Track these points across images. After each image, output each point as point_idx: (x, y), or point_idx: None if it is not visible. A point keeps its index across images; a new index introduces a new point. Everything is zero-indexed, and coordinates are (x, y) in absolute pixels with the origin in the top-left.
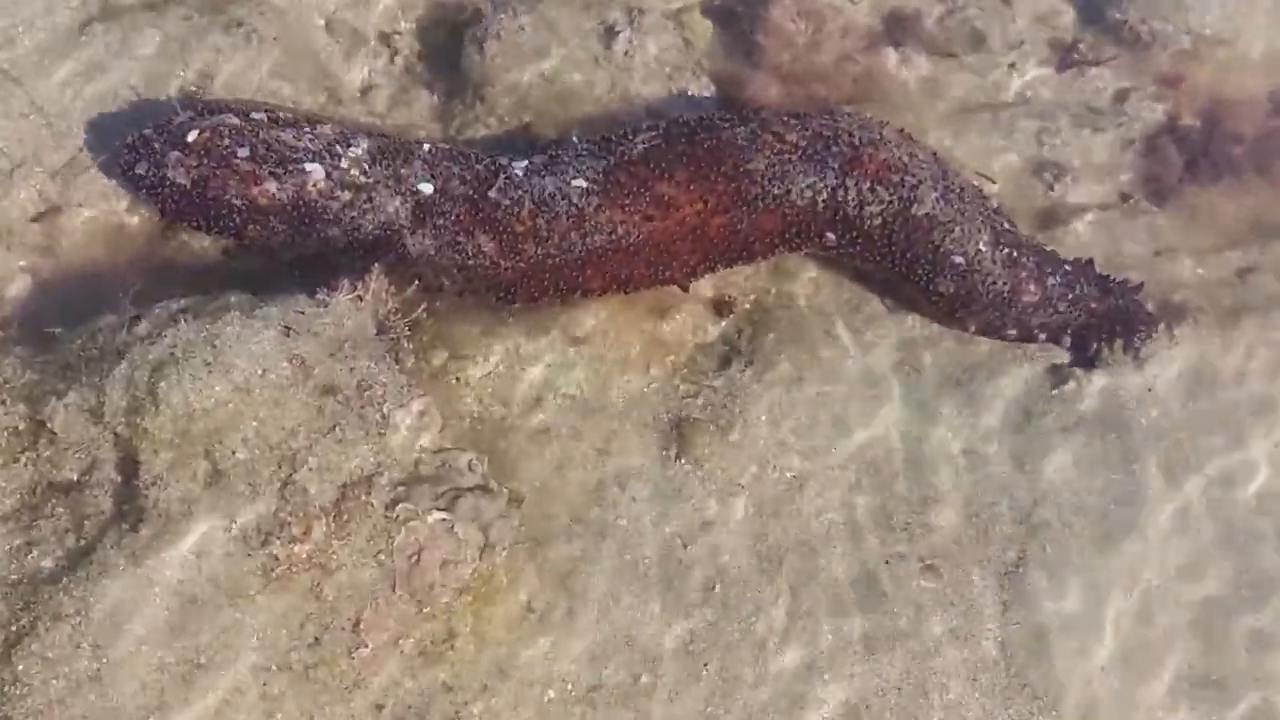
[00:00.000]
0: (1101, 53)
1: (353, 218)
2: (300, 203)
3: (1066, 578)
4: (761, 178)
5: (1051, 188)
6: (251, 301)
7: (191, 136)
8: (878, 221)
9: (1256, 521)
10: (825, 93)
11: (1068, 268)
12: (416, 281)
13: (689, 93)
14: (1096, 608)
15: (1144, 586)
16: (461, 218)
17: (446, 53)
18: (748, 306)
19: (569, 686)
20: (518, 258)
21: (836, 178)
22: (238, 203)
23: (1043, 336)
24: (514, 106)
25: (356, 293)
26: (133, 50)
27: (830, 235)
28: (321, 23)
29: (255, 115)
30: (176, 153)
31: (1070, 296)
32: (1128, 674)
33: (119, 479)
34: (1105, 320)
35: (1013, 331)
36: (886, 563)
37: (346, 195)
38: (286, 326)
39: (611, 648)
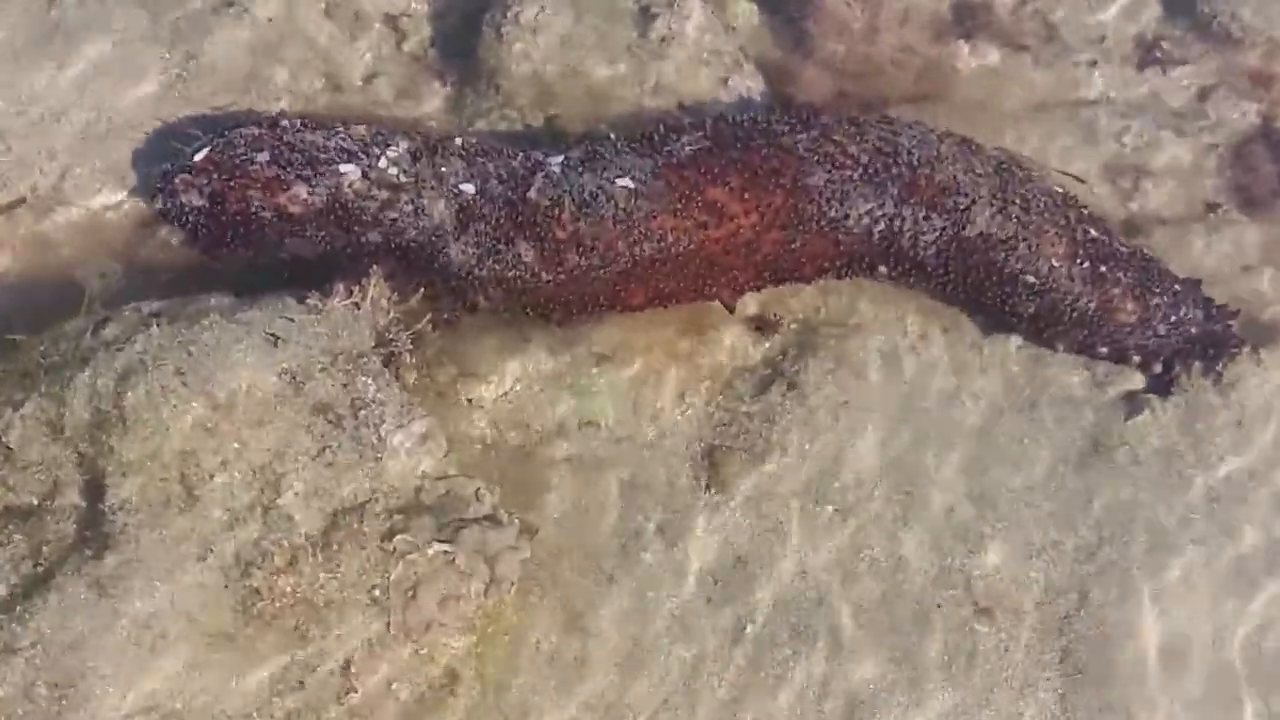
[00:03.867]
0: (1188, 49)
1: (393, 220)
2: (337, 205)
3: (1135, 625)
4: (820, 195)
5: (1132, 193)
6: (234, 305)
7: (199, 156)
8: (931, 251)
9: None
10: (882, 88)
11: (1177, 288)
12: (427, 299)
13: (731, 86)
14: (1169, 658)
15: (1224, 636)
16: (501, 222)
17: (460, 38)
18: (794, 326)
19: None
20: (559, 269)
21: (894, 205)
22: (267, 214)
23: (1137, 359)
24: (536, 98)
25: (353, 298)
26: (110, 26)
27: (883, 269)
28: (321, 3)
29: (283, 122)
30: (184, 175)
31: (1173, 319)
32: None
33: (82, 503)
34: (1196, 346)
35: (1105, 350)
36: (938, 606)
37: (385, 195)
38: (273, 334)
39: (632, 696)
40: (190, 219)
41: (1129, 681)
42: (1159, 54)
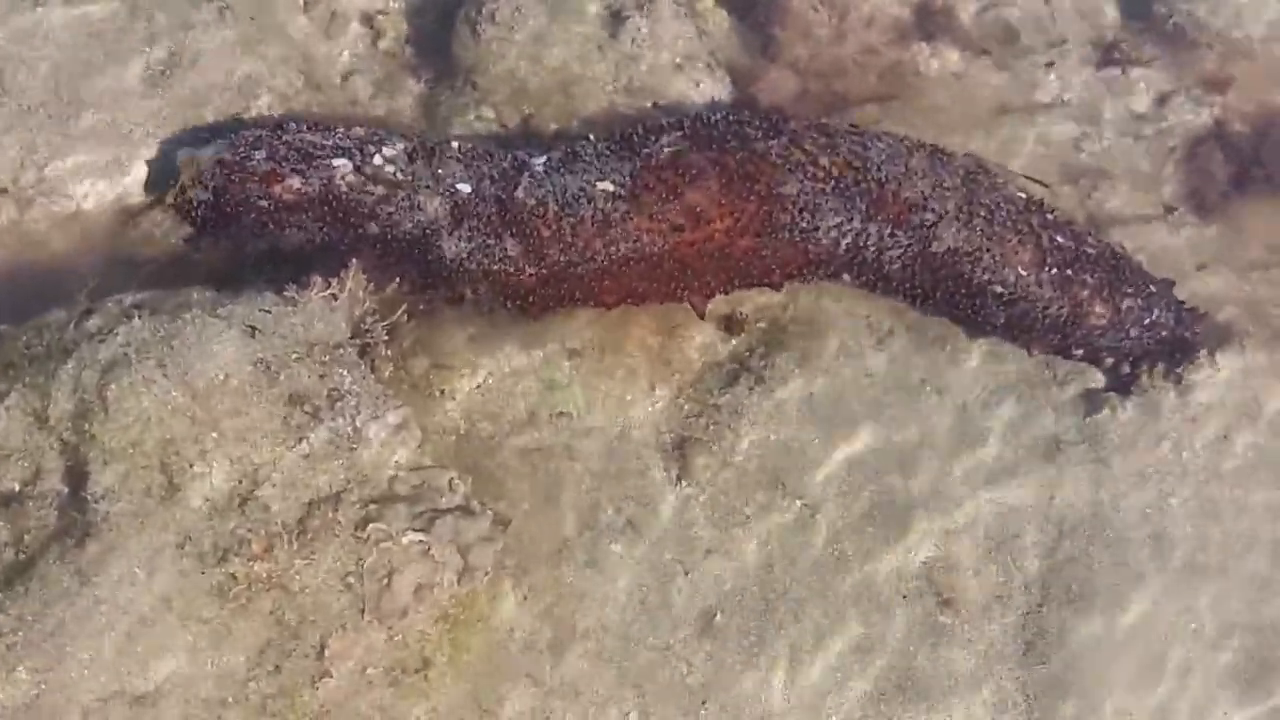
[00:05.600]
0: (1144, 52)
1: (389, 214)
2: (330, 196)
3: (1095, 618)
4: (793, 205)
5: (1089, 195)
6: (215, 298)
7: (205, 156)
8: (896, 266)
9: None
10: (846, 89)
11: (1151, 289)
12: (418, 289)
13: (701, 86)
14: (1127, 651)
15: (1179, 629)
16: (492, 219)
17: (436, 36)
18: (761, 324)
19: None
20: (540, 263)
21: (862, 221)
22: (264, 204)
23: (1110, 361)
24: (510, 96)
25: (330, 291)
26: (91, 24)
27: (846, 276)
28: (300, 1)
29: (290, 124)
30: (189, 174)
31: (1146, 322)
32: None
33: (65, 490)
34: (1164, 349)
35: (1079, 352)
36: (903, 597)
37: (380, 190)
38: (251, 326)
39: (602, 684)
40: (198, 213)
41: (1090, 674)
42: (1117, 56)
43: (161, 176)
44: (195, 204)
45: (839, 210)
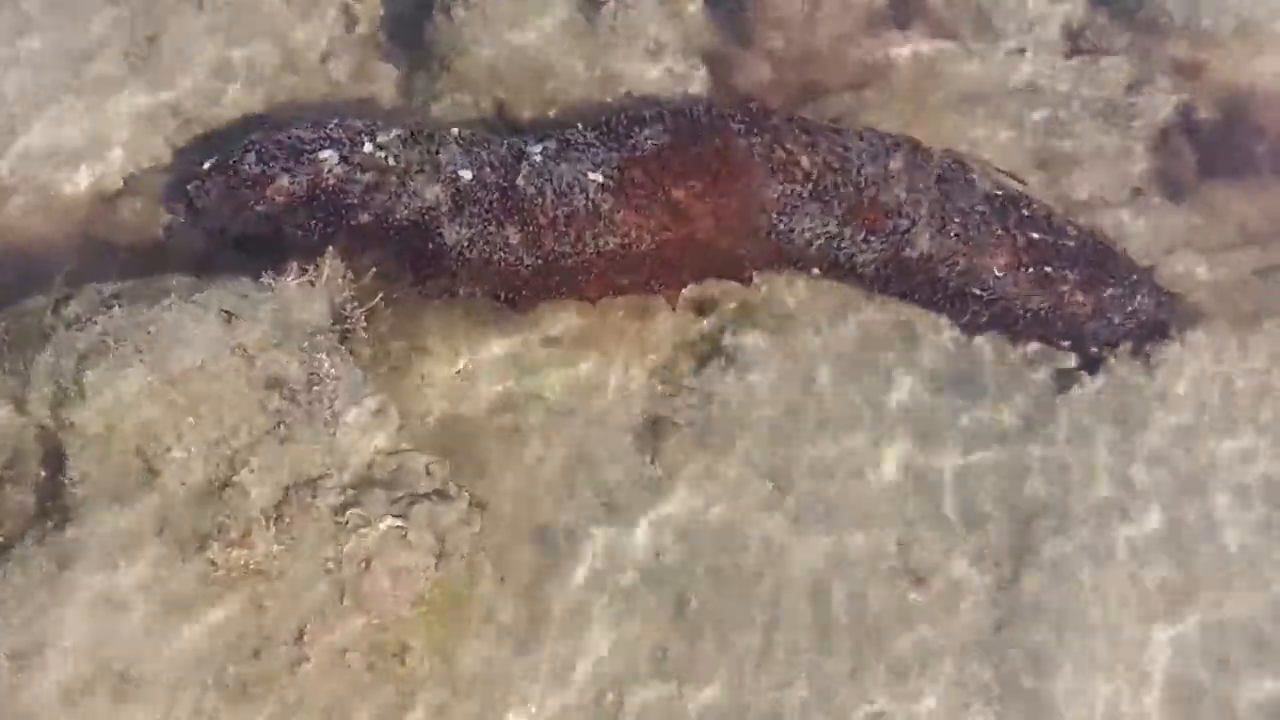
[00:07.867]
0: (1113, 39)
1: (382, 201)
2: (318, 191)
3: (1067, 596)
4: (771, 206)
5: (1059, 181)
6: (192, 284)
7: (205, 165)
8: (870, 269)
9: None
10: (822, 77)
11: (1135, 277)
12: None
13: (677, 73)
14: (1101, 629)
15: (1153, 606)
16: (494, 205)
17: (411, 20)
18: (732, 305)
19: (532, 708)
20: (537, 253)
21: (838, 225)
22: (261, 208)
23: (1094, 349)
24: (485, 81)
25: (307, 277)
26: (69, 8)
27: (817, 270)
28: None
29: (290, 125)
30: (194, 183)
31: (1129, 309)
32: (1132, 703)
33: (43, 474)
34: (1142, 330)
35: (1066, 342)
36: (874, 575)
37: (369, 178)
38: (228, 312)
39: (579, 668)
40: (204, 220)
41: (1062, 654)
42: (1086, 43)
43: (140, 166)
44: (200, 213)
45: (815, 214)
